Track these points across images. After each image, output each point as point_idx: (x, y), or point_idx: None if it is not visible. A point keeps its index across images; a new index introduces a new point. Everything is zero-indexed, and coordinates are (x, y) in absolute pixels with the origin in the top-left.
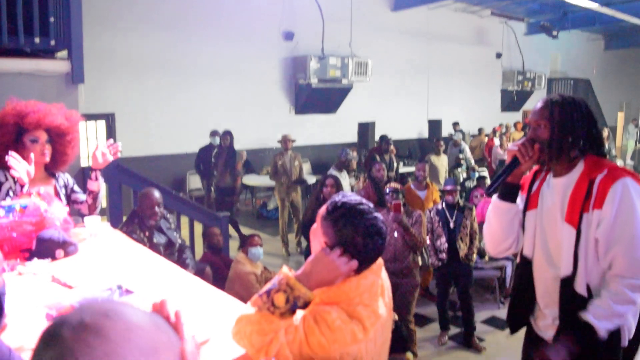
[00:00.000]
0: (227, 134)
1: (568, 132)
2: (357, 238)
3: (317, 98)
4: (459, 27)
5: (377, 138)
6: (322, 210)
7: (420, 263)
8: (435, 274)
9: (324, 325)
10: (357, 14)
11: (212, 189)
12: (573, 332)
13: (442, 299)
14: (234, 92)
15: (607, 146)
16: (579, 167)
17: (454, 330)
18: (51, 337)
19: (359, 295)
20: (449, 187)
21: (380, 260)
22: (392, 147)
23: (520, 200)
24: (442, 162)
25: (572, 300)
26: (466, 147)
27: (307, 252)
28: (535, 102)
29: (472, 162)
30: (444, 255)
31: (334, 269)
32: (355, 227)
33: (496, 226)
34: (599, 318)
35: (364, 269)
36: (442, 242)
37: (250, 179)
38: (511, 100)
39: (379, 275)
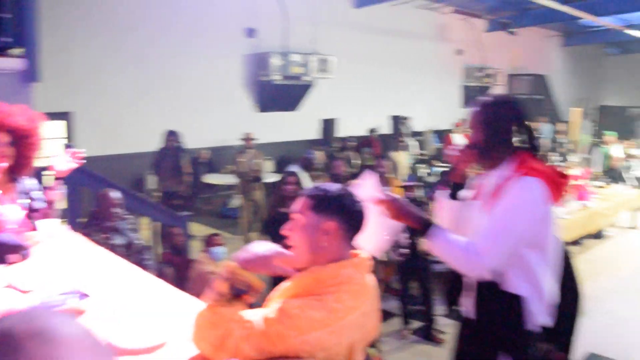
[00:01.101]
0: (172, 134)
1: (494, 132)
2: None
3: (280, 95)
4: (420, 23)
5: (339, 134)
6: (309, 201)
7: (383, 258)
8: (396, 268)
9: (281, 314)
10: (320, 11)
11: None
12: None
13: (403, 294)
14: (195, 90)
15: (565, 140)
16: (505, 165)
17: (416, 324)
18: None
19: (335, 284)
20: (409, 183)
21: (367, 259)
22: (350, 142)
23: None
24: (403, 158)
25: (483, 288)
26: (411, 141)
27: None
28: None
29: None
30: (405, 250)
31: (272, 254)
32: (347, 205)
33: (447, 222)
34: (442, 242)
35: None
36: (404, 237)
37: (212, 178)
38: (472, 96)
39: (362, 272)
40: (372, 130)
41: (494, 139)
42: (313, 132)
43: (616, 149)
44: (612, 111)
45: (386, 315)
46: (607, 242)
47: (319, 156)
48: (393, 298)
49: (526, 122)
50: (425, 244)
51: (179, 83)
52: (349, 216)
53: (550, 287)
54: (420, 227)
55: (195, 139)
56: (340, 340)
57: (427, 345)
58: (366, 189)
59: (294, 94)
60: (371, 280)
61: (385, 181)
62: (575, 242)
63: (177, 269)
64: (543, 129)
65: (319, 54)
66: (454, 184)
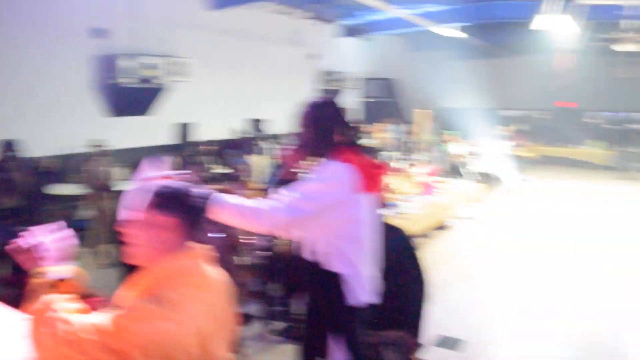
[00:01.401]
0: (8, 144)
1: (320, 131)
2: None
3: (133, 99)
4: (277, 28)
5: (198, 138)
6: (151, 199)
7: (242, 262)
8: (256, 271)
9: (125, 310)
10: (173, 12)
11: None
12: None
13: (264, 295)
14: (36, 94)
15: (413, 139)
16: (330, 160)
17: (278, 325)
18: None
19: (174, 277)
20: (266, 186)
21: (204, 249)
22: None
23: None
24: (260, 161)
25: (312, 271)
26: (270, 144)
27: (121, 262)
28: (350, 100)
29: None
30: (264, 252)
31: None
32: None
33: None
34: (231, 203)
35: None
36: (264, 239)
37: (59, 188)
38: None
39: (201, 263)
40: (239, 132)
41: (321, 137)
42: (170, 136)
43: (456, 147)
44: (455, 112)
45: (248, 318)
46: (449, 233)
47: (172, 162)
48: (254, 301)
49: (349, 121)
50: (212, 213)
51: (18, 87)
52: (190, 213)
53: (370, 269)
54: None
55: (39, 147)
56: (188, 331)
57: (291, 345)
58: (150, 171)
59: (147, 98)
60: (215, 271)
61: (243, 185)
62: (422, 234)
63: (19, 289)
64: (392, 130)
65: (173, 56)
66: (287, 181)
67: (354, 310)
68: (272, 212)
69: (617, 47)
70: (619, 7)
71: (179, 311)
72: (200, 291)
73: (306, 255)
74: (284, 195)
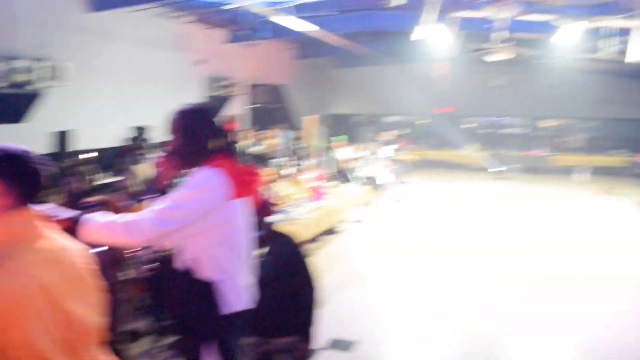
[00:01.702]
0: None
1: (190, 138)
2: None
3: (3, 105)
4: (162, 32)
5: (78, 147)
6: None
7: (129, 276)
8: (145, 284)
9: None
10: (49, 12)
11: None
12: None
13: (154, 310)
14: None
15: (301, 145)
16: (200, 164)
17: (169, 339)
18: None
19: (5, 235)
20: (145, 196)
21: (41, 212)
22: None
23: None
24: (144, 169)
25: (179, 279)
26: (154, 152)
27: None
28: (237, 106)
29: None
30: (152, 265)
31: None
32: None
33: None
34: (98, 223)
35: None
36: (150, 252)
37: None
38: (216, 105)
39: (33, 221)
40: (123, 140)
41: (191, 144)
42: (46, 146)
43: (343, 152)
44: (342, 119)
45: (137, 334)
46: (339, 236)
47: (46, 172)
48: (141, 316)
49: (221, 127)
50: (81, 234)
51: None
52: (20, 178)
53: (245, 275)
54: (71, 223)
55: None
56: (24, 280)
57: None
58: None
59: (20, 104)
60: (56, 233)
61: (126, 194)
62: (313, 239)
63: None
64: (281, 136)
65: (49, 60)
66: (161, 190)
67: (226, 318)
68: (141, 225)
69: (488, 58)
70: (488, 20)
71: (8, 261)
72: (34, 243)
73: (178, 264)
74: (154, 206)
